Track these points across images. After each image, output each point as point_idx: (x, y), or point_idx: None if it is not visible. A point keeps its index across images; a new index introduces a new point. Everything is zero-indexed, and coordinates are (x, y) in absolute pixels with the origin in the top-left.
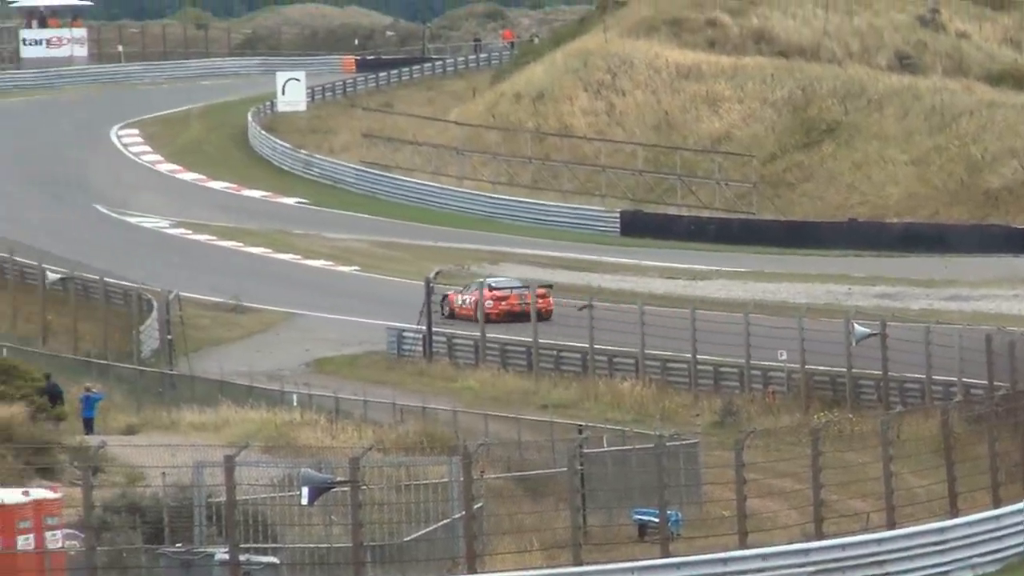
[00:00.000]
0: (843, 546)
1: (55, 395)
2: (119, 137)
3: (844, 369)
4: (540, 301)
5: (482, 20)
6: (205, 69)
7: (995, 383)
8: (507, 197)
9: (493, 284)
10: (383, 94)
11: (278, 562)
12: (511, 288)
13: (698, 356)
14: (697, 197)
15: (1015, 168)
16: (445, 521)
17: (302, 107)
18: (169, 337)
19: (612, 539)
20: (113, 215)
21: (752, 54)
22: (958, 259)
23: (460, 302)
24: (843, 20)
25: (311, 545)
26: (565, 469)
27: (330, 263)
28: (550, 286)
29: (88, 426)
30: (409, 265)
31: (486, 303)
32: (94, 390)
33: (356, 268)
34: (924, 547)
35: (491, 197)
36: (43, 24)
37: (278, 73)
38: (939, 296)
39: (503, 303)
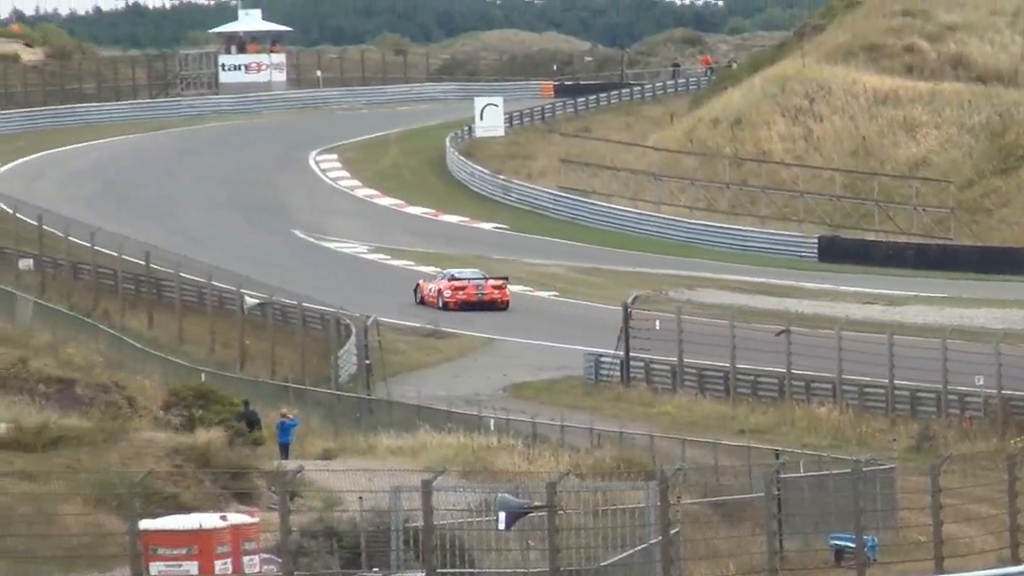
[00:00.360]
0: None
1: (252, 421)
2: (317, 162)
3: None
4: (496, 292)
5: (680, 46)
6: (403, 94)
7: None
8: (704, 222)
9: (455, 275)
10: (581, 119)
11: None
12: (469, 279)
13: (895, 381)
14: (894, 222)
15: None
16: (642, 546)
17: (500, 132)
18: (367, 362)
19: (808, 564)
20: (311, 240)
21: (949, 80)
22: None
23: (428, 290)
24: None
25: (508, 570)
26: (762, 494)
27: (529, 288)
28: (506, 278)
29: (284, 451)
30: (607, 290)
31: (445, 292)
32: (289, 416)
33: (554, 293)
34: None
35: (688, 222)
36: (242, 50)
37: (476, 98)
38: None
39: (460, 292)
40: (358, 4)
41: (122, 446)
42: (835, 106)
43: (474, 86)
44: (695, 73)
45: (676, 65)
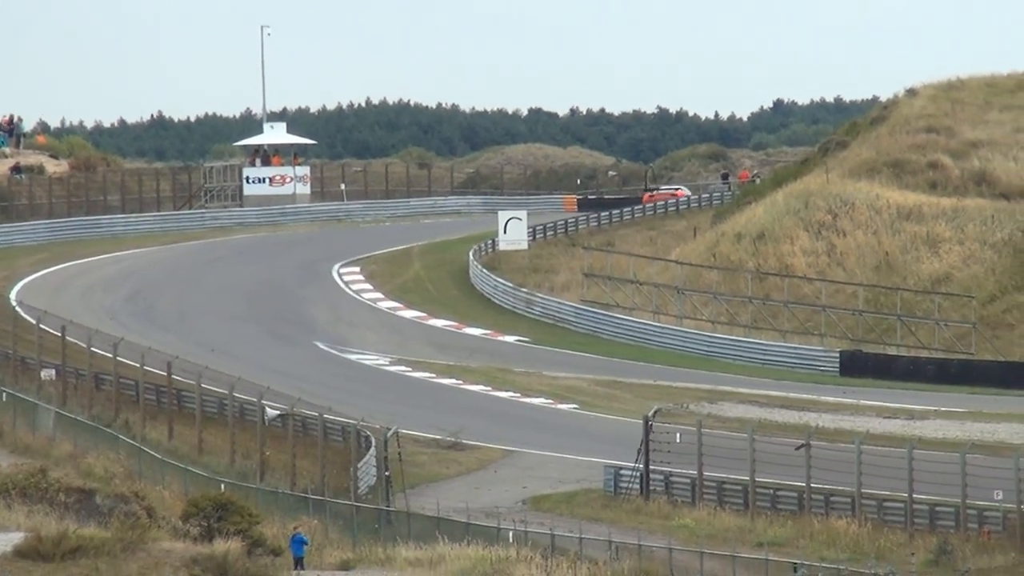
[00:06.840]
0: None
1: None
2: (340, 275)
3: None
4: None
5: (704, 161)
6: (427, 207)
7: None
8: (726, 336)
9: None
10: (604, 233)
11: None
12: None
13: (914, 495)
14: (916, 337)
15: None
16: None
17: (524, 246)
18: (387, 473)
19: None
20: (333, 352)
21: (973, 196)
22: None
23: None
24: None
25: None
26: None
27: (550, 401)
28: None
29: (298, 564)
30: (628, 404)
31: None
32: (300, 531)
33: (575, 406)
34: None
35: (710, 336)
36: (266, 162)
37: (500, 212)
38: None
39: None
40: (383, 118)
41: (141, 556)
42: (858, 221)
43: (498, 200)
44: (718, 188)
45: (726, 174)
